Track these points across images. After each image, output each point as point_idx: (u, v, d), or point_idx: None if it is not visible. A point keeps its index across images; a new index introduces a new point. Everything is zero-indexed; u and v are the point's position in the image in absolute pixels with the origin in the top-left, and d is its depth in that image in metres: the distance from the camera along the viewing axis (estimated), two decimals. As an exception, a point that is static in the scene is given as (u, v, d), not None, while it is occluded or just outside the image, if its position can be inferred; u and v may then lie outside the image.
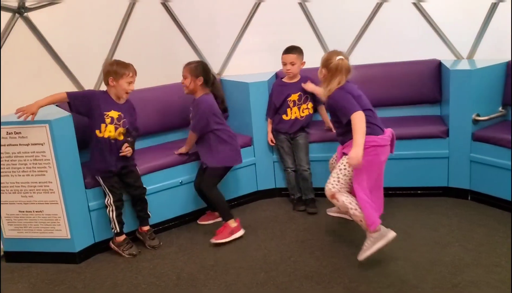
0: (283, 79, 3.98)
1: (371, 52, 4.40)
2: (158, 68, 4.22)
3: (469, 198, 3.75)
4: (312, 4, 4.46)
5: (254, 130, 4.06)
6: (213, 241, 3.38)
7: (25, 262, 3.34)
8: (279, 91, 3.93)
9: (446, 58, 4.22)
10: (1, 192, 3.25)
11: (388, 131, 3.06)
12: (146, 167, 3.54)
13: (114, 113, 3.24)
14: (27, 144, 3.11)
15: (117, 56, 4.06)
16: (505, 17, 3.92)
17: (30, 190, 3.21)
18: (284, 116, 3.89)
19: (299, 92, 3.87)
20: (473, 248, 3.04)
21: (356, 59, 4.38)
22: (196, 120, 3.46)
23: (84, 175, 3.31)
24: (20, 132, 3.10)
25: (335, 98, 3.02)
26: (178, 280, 2.99)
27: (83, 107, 3.21)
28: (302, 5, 4.47)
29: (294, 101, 3.86)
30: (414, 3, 4.22)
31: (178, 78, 3.59)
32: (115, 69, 3.18)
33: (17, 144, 3.13)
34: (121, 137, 3.29)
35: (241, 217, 3.79)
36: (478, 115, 3.64)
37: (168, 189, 3.65)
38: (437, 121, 3.94)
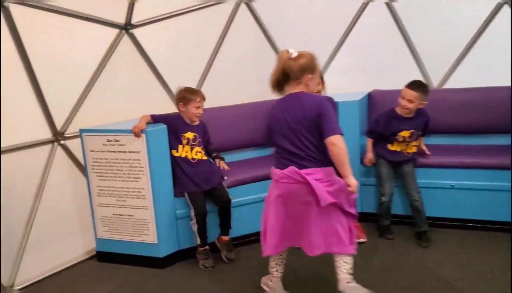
0: (396, 110, 3.63)
1: (475, 74, 4.15)
2: (251, 86, 4.31)
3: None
4: (409, 23, 4.32)
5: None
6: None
7: (114, 262, 3.53)
8: (389, 123, 3.63)
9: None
10: (98, 195, 3.48)
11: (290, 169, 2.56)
12: (234, 180, 3.61)
13: (190, 135, 3.46)
14: (125, 152, 3.32)
15: (211, 74, 4.24)
16: None
17: (124, 194, 3.40)
18: (389, 146, 3.67)
19: (412, 130, 3.59)
20: None
21: (457, 82, 4.19)
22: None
23: (174, 184, 3.45)
24: (119, 140, 3.32)
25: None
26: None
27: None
28: (398, 25, 4.35)
29: (404, 137, 3.59)
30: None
31: (270, 96, 3.65)
32: (184, 95, 3.43)
33: (116, 152, 3.34)
34: (198, 156, 3.48)
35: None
36: None
37: (253, 203, 3.66)
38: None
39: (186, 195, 3.41)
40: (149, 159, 3.27)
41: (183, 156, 3.43)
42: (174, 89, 4.06)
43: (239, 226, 3.61)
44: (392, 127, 3.60)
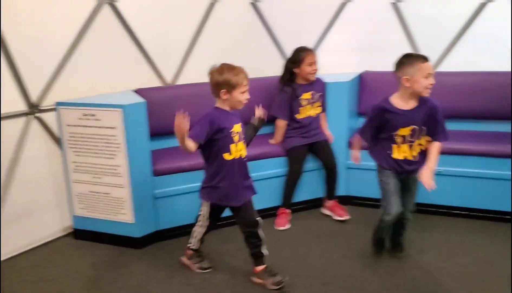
0: (392, 101, 2.73)
1: (468, 58, 4.01)
2: (239, 61, 4.15)
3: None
4: (406, 5, 4.15)
5: (331, 132, 3.85)
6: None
7: (91, 240, 3.44)
8: (385, 118, 2.73)
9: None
10: (74, 170, 3.36)
11: None
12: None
13: (237, 127, 2.72)
14: (100, 127, 3.19)
15: (197, 48, 4.07)
16: None
17: (100, 171, 3.28)
18: (391, 152, 2.81)
19: (414, 126, 2.69)
20: None
21: (450, 66, 4.06)
22: None
23: (153, 162, 3.33)
24: (95, 115, 3.18)
25: None
26: (232, 279, 2.91)
27: (209, 138, 2.64)
28: (395, 5, 4.18)
29: (403, 136, 2.72)
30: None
31: (258, 73, 3.52)
32: (227, 79, 2.60)
33: (92, 127, 3.21)
34: (244, 152, 2.78)
35: (307, 223, 3.66)
36: None
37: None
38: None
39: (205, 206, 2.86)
40: (126, 136, 3.13)
41: (237, 156, 2.70)
42: (158, 62, 3.93)
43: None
44: (389, 124, 2.73)
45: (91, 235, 3.45)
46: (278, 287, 2.76)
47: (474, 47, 4.01)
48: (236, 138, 2.68)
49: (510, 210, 3.46)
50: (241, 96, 2.64)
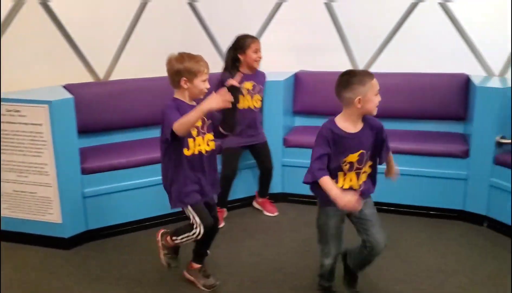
0: (337, 122, 2.34)
1: (398, 60, 4.16)
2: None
3: (484, 225, 3.49)
4: (339, 4, 4.25)
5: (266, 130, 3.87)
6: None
7: (17, 242, 3.28)
8: (335, 143, 2.32)
9: (478, 73, 3.96)
10: (-2, 169, 3.22)
11: None
12: (148, 157, 3.42)
13: (199, 122, 2.53)
14: (26, 124, 3.06)
15: (131, 44, 3.99)
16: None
17: (25, 170, 3.15)
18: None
19: (362, 150, 2.34)
20: (480, 280, 2.80)
21: (381, 66, 4.20)
22: None
23: (82, 160, 3.23)
24: (19, 111, 3.05)
25: None
26: (162, 279, 2.87)
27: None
28: (328, 6, 4.27)
29: (351, 163, 2.33)
30: (447, 13, 3.97)
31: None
32: (188, 67, 2.45)
33: (16, 123, 3.07)
34: (211, 146, 2.62)
35: (241, 220, 3.67)
36: (503, 137, 3.38)
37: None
38: (458, 139, 3.68)
39: (190, 209, 2.59)
40: (52, 133, 3.02)
41: (196, 152, 2.54)
42: (89, 57, 3.82)
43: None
44: (339, 150, 2.33)
45: (17, 236, 3.30)
46: (208, 290, 2.76)
47: (405, 48, 4.16)
48: (194, 132, 2.53)
49: (460, 208, 3.59)
50: (203, 84, 2.50)
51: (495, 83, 3.66)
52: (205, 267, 2.82)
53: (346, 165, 2.34)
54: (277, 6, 4.38)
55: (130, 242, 3.34)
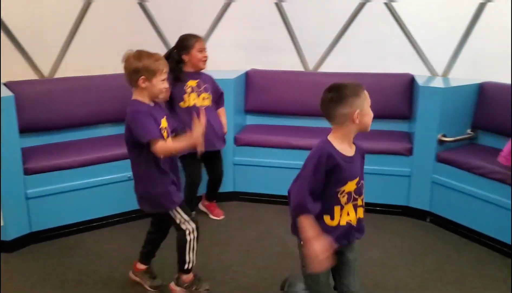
0: (333, 143, 2.01)
1: (346, 60, 4.25)
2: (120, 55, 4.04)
3: (427, 220, 3.62)
4: (289, 4, 4.29)
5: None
6: None
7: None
8: (335, 169, 1.96)
9: (423, 73, 4.10)
10: None
11: None
12: (94, 157, 3.37)
13: (164, 122, 2.48)
14: (-37, 123, 2.94)
15: (77, 41, 3.89)
16: (483, 37, 3.80)
17: (-37, 171, 3.03)
18: (328, 220, 2.00)
19: (358, 178, 2.05)
20: (421, 273, 2.91)
21: (330, 66, 4.28)
22: None
23: (24, 160, 3.13)
24: (-44, 109, 2.92)
25: None
26: (108, 280, 2.83)
27: None
28: (278, 5, 4.31)
29: (349, 193, 2.00)
30: (392, 14, 4.08)
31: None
32: (146, 65, 2.34)
33: (-47, 122, 2.95)
34: None
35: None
36: (444, 135, 3.51)
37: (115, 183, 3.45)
38: (403, 138, 3.80)
39: (179, 211, 2.57)
40: (-8, 132, 2.92)
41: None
42: (32, 53, 3.69)
43: (98, 208, 3.42)
44: (337, 178, 1.96)
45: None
46: (155, 290, 2.74)
47: (353, 48, 4.24)
48: (165, 134, 2.45)
49: (404, 204, 3.70)
50: (162, 84, 2.39)
51: (438, 83, 3.79)
52: (150, 269, 2.80)
53: (344, 196, 1.97)
54: (227, 5, 4.37)
55: (75, 243, 3.27)
